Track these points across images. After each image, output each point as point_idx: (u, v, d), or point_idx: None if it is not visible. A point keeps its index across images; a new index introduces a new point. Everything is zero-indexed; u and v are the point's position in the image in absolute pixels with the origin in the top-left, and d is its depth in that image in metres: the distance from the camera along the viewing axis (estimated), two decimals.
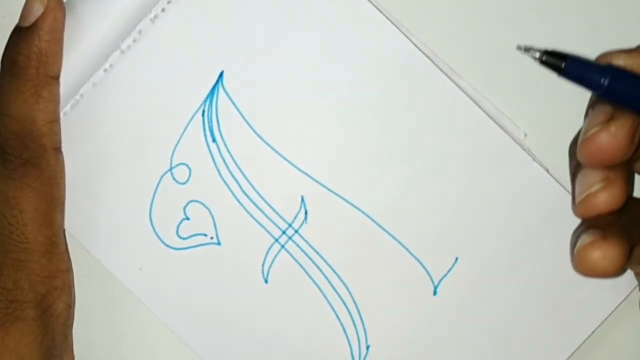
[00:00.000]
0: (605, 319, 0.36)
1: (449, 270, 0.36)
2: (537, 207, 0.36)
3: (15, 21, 0.34)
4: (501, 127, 0.35)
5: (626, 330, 0.37)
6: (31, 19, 0.33)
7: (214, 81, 0.36)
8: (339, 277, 0.37)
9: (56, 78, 0.34)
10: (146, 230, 0.37)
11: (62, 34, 0.34)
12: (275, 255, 0.37)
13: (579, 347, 0.36)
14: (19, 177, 0.33)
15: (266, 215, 0.36)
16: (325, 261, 0.36)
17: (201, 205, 0.37)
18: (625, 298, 0.35)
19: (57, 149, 0.35)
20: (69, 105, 0.36)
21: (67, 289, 0.35)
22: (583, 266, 0.28)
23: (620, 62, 0.29)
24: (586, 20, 0.35)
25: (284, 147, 0.36)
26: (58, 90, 0.34)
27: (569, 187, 0.32)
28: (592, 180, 0.29)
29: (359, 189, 0.36)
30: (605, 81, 0.29)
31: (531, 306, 0.36)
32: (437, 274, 0.36)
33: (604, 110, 0.29)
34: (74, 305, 0.36)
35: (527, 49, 0.29)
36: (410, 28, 0.35)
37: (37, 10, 0.33)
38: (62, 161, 0.35)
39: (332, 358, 0.37)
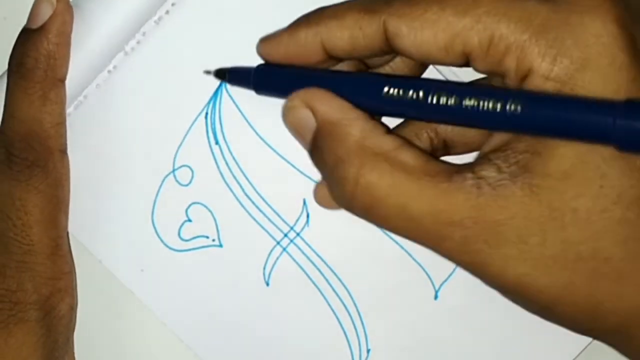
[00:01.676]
0: None
1: (450, 275, 0.36)
2: None
3: (17, 22, 0.34)
4: None
5: None
6: (39, 21, 0.33)
7: (218, 83, 0.36)
8: (340, 280, 0.37)
9: (63, 81, 0.34)
10: (148, 232, 0.37)
11: (70, 36, 0.34)
12: (277, 258, 0.37)
13: (581, 353, 0.36)
14: (25, 179, 0.33)
15: (268, 218, 0.37)
16: (326, 264, 0.37)
17: (203, 207, 0.37)
18: None
19: (63, 151, 0.35)
20: (72, 107, 0.36)
21: (70, 290, 0.35)
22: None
23: (265, 51, 0.32)
24: None
25: (287, 150, 0.36)
26: (64, 93, 0.34)
27: None
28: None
29: None
30: (251, 79, 0.32)
31: None
32: (439, 278, 0.36)
33: None
34: (76, 307, 0.36)
35: (207, 72, 0.35)
36: None
37: (46, 12, 0.33)
38: (68, 163, 0.35)
39: None
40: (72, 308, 0.36)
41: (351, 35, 0.29)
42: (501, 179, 0.26)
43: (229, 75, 0.34)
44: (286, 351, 0.37)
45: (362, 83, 0.29)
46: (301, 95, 0.29)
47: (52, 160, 0.34)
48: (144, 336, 0.37)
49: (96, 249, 0.37)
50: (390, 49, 0.29)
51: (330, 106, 0.29)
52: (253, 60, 0.36)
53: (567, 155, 0.26)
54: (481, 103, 0.26)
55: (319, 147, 0.29)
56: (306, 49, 0.30)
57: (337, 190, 0.29)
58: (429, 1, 0.27)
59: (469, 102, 0.26)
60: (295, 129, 0.30)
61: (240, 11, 0.36)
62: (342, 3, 0.30)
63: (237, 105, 0.36)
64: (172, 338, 0.37)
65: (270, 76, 0.32)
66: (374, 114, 0.30)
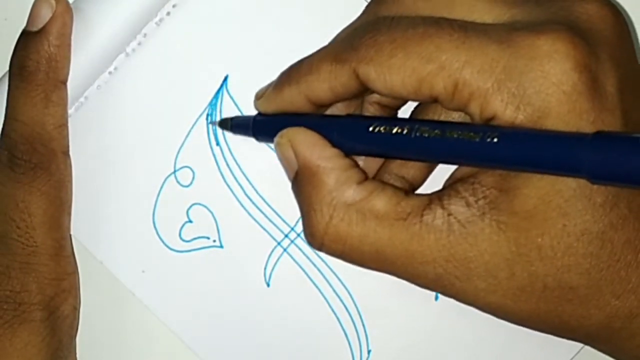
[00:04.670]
0: None
1: None
2: None
3: (17, 24, 0.34)
4: None
5: None
6: (39, 24, 0.33)
7: (219, 85, 0.36)
8: (340, 280, 0.37)
9: (64, 82, 0.34)
10: (149, 233, 0.37)
11: (70, 38, 0.34)
12: (278, 259, 0.37)
13: (579, 351, 0.36)
14: (28, 181, 0.33)
15: (269, 219, 0.37)
16: (327, 265, 0.37)
17: (204, 208, 0.37)
18: None
19: (66, 153, 0.35)
20: (73, 108, 0.36)
21: (74, 291, 0.35)
22: None
23: (260, 108, 0.33)
24: None
25: None
26: (66, 95, 0.34)
27: None
28: None
29: None
30: (250, 129, 0.34)
31: None
32: None
33: None
34: (80, 307, 0.36)
35: (212, 123, 0.36)
36: None
37: (46, 14, 0.33)
38: (70, 165, 0.35)
39: None
40: (76, 308, 0.36)
41: (330, 86, 0.30)
42: (470, 215, 0.28)
43: (231, 125, 0.35)
44: (287, 352, 0.37)
45: (349, 125, 0.31)
46: (288, 134, 0.31)
47: (55, 162, 0.34)
48: (145, 336, 0.37)
49: (97, 250, 0.37)
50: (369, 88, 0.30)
51: (311, 151, 0.30)
52: (253, 61, 0.36)
53: (530, 196, 0.27)
54: (462, 133, 0.27)
55: (297, 188, 0.31)
56: (294, 104, 0.31)
57: (308, 234, 0.30)
58: (395, 46, 0.28)
59: (450, 134, 0.27)
60: (282, 163, 0.32)
61: (240, 12, 0.36)
62: (315, 53, 0.31)
63: (237, 107, 0.36)
64: (173, 338, 0.37)
65: (268, 125, 0.33)
66: (361, 155, 0.32)
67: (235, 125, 0.35)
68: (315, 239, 0.30)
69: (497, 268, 0.28)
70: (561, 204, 0.27)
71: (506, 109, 0.27)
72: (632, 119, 0.28)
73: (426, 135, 0.28)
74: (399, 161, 0.33)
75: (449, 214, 0.28)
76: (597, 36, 0.28)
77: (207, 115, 0.36)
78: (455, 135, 0.27)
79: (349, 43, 0.29)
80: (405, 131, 0.28)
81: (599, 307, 0.28)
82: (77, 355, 0.37)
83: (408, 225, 0.28)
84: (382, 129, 0.29)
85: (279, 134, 0.31)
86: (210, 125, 0.36)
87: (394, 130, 0.29)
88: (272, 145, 0.32)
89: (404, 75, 0.28)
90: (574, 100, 0.26)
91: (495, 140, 0.26)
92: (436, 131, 0.28)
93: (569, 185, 0.27)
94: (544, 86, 0.26)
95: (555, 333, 0.30)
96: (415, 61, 0.28)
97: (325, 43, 0.33)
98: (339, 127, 0.31)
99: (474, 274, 0.28)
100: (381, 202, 0.29)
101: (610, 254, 0.27)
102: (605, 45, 0.28)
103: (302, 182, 0.30)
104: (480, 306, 0.29)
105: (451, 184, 0.29)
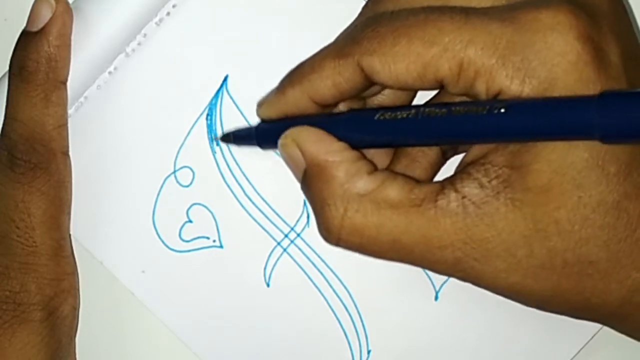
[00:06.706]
0: None
1: None
2: None
3: (17, 24, 0.34)
4: None
5: None
6: (39, 24, 0.33)
7: (219, 85, 0.36)
8: (340, 281, 0.37)
9: (64, 82, 0.34)
10: (149, 233, 0.37)
11: (70, 38, 0.34)
12: (277, 259, 0.37)
13: (579, 352, 0.36)
14: (28, 182, 0.33)
15: (268, 219, 0.37)
16: (327, 265, 0.37)
17: (204, 209, 0.37)
18: None
19: (65, 153, 0.35)
20: (73, 108, 0.36)
21: (73, 291, 0.35)
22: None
23: (263, 115, 0.33)
24: None
25: None
26: (66, 95, 0.34)
27: None
28: None
29: None
30: (254, 138, 0.34)
31: (532, 311, 0.36)
32: (439, 279, 0.36)
33: None
34: (79, 307, 0.36)
35: (215, 138, 0.36)
36: None
37: (46, 14, 0.33)
38: (70, 165, 0.35)
39: None
40: (75, 308, 0.36)
41: (333, 82, 0.30)
42: (484, 196, 0.27)
43: (233, 138, 0.35)
44: (286, 352, 0.37)
45: (355, 118, 0.31)
46: (292, 134, 0.30)
47: (55, 162, 0.34)
48: (145, 337, 0.37)
49: (97, 250, 0.37)
50: (373, 83, 0.30)
51: (317, 147, 0.30)
52: (253, 61, 0.36)
53: (543, 170, 0.27)
54: (469, 109, 0.27)
55: (307, 186, 0.30)
56: (298, 106, 0.31)
57: (324, 230, 0.30)
58: (397, 35, 0.28)
59: (457, 110, 0.27)
60: (288, 165, 0.31)
61: (240, 12, 0.36)
62: (317, 53, 0.31)
63: (237, 107, 0.36)
64: (173, 339, 0.37)
65: (271, 132, 0.32)
66: (369, 147, 0.31)
67: (237, 137, 0.35)
68: (332, 234, 0.30)
69: (515, 246, 0.27)
70: (575, 175, 0.27)
71: (512, 83, 0.26)
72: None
73: (433, 115, 0.28)
74: (405, 160, 0.33)
75: (463, 197, 0.28)
76: (597, 10, 0.28)
77: (207, 115, 0.36)
78: (462, 112, 0.27)
79: (350, 38, 0.30)
80: (411, 115, 0.28)
81: (620, 280, 0.28)
82: (77, 356, 0.37)
83: (423, 211, 0.28)
84: (387, 115, 0.29)
85: (283, 135, 0.31)
86: (209, 126, 0.36)
87: (400, 116, 0.29)
88: (277, 151, 0.32)
89: (409, 61, 0.28)
90: (580, 70, 0.26)
91: (503, 110, 0.26)
92: (443, 110, 0.27)
93: (580, 157, 0.26)
94: (548, 57, 0.26)
95: (575, 313, 0.29)
96: (419, 46, 0.28)
97: (327, 43, 0.33)
98: (345, 120, 0.31)
99: (493, 254, 0.28)
100: (394, 190, 0.29)
101: (627, 224, 0.27)
102: (605, 18, 0.28)
103: (311, 179, 0.30)
104: (501, 289, 0.29)
105: (463, 168, 0.29)
